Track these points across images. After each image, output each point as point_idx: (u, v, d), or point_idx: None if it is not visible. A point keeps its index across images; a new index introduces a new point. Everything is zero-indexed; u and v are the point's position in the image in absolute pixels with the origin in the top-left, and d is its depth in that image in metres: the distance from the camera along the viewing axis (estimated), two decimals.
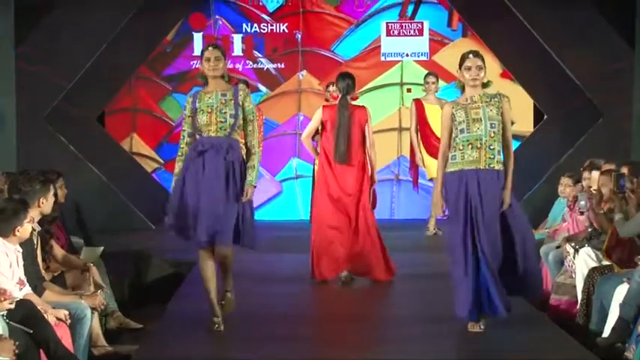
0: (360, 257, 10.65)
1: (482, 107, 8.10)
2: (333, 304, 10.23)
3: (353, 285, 10.81)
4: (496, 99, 8.18)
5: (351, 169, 10.60)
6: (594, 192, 9.68)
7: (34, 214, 7.43)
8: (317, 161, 10.99)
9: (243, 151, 8.48)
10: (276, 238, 13.49)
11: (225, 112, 8.29)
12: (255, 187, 8.37)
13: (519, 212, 8.43)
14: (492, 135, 8.05)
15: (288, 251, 12.76)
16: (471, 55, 8.19)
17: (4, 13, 14.05)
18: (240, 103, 8.35)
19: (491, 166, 8.07)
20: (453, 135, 8.16)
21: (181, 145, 8.44)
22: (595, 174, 9.82)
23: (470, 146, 8.06)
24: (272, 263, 12.04)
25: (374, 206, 10.82)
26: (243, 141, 8.44)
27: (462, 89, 8.30)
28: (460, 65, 8.24)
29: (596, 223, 9.57)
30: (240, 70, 16.45)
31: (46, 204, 7.95)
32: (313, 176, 12.48)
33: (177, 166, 8.40)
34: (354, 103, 10.86)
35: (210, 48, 8.41)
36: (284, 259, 12.46)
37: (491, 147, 8.05)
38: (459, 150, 8.10)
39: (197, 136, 8.36)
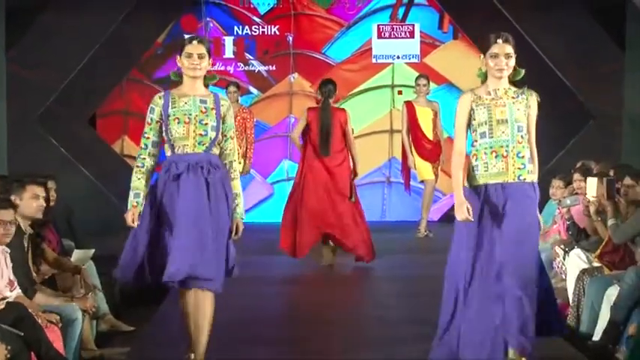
0: (346, 229, 11.83)
1: (508, 105, 6.84)
2: (321, 305, 10.18)
3: (341, 285, 11.05)
4: (523, 95, 6.93)
5: (334, 160, 11.92)
6: (592, 199, 9.59)
7: (8, 216, 7.15)
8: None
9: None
10: (267, 241, 13.49)
11: (206, 124, 6.91)
12: (243, 220, 7.22)
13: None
14: (520, 140, 6.80)
15: (279, 253, 12.77)
16: (499, 40, 6.92)
17: None
18: (222, 115, 7.02)
19: (522, 177, 6.79)
20: (472, 137, 6.94)
21: (142, 156, 6.98)
22: (591, 180, 9.73)
23: (494, 154, 6.79)
24: (262, 265, 12.05)
25: (351, 196, 11.99)
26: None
27: (484, 79, 7.04)
28: (485, 50, 7.01)
29: (590, 230, 9.60)
30: (231, 72, 16.48)
31: (22, 203, 7.62)
32: None
33: (136, 179, 6.95)
34: (335, 105, 12.35)
35: (194, 42, 7.02)
36: (274, 260, 12.48)
37: (520, 155, 6.78)
38: (481, 160, 6.83)
39: (168, 152, 6.95)
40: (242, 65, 16.72)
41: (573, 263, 9.31)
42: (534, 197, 6.86)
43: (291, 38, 16.73)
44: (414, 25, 16.74)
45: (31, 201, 7.69)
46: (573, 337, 8.58)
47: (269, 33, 16.77)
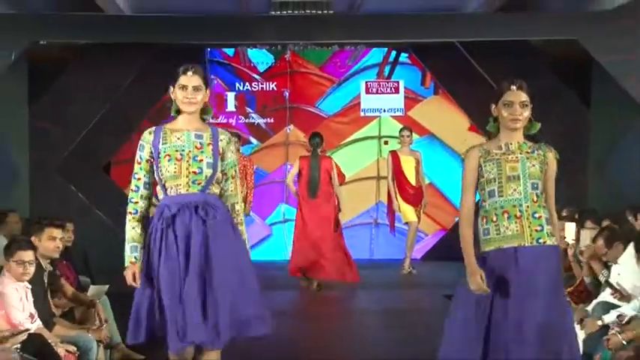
0: (334, 263, 12.59)
1: (521, 160, 5.54)
2: (313, 336, 10.13)
3: (331, 323, 10.95)
4: (540, 151, 5.63)
5: (319, 201, 12.73)
6: (571, 242, 9.49)
7: (28, 256, 7.13)
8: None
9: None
10: (266, 277, 13.43)
11: (200, 160, 5.61)
12: None
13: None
14: (535, 199, 5.51)
15: (277, 289, 12.74)
16: (514, 87, 5.60)
17: (19, 78, 14.13)
18: (221, 151, 5.73)
19: (541, 240, 5.45)
20: (480, 197, 5.66)
21: (134, 200, 5.80)
22: (569, 225, 9.65)
23: (506, 215, 5.48)
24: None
25: (337, 228, 12.90)
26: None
27: (495, 131, 5.74)
28: (497, 99, 5.62)
29: (575, 271, 9.29)
30: (233, 124, 16.48)
31: (41, 244, 7.60)
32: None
33: (130, 228, 5.85)
34: (324, 154, 13.18)
35: (188, 72, 5.75)
36: (272, 296, 12.45)
37: (536, 215, 5.47)
38: (492, 222, 5.53)
39: (161, 194, 5.73)
40: (243, 118, 16.73)
41: None
42: (556, 263, 5.54)
43: (287, 94, 16.74)
44: (398, 81, 16.76)
45: (49, 242, 7.70)
46: None
47: (267, 89, 16.78)
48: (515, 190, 5.50)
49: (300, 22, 13.79)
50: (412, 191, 13.95)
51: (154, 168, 5.71)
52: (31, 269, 7.06)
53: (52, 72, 14.29)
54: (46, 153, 14.30)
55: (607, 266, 8.42)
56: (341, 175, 13.49)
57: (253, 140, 16.68)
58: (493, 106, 5.63)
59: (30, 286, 7.09)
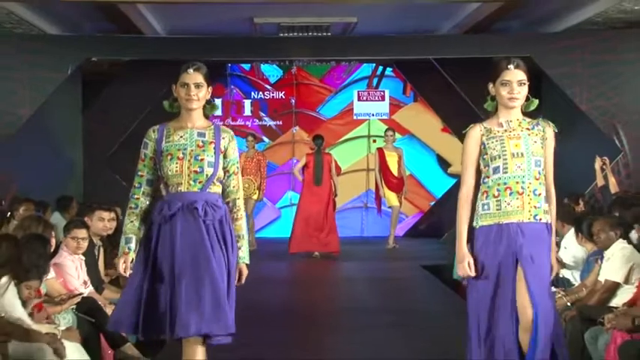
0: (325, 239, 13.03)
1: (523, 137, 4.71)
2: (311, 299, 10.12)
3: (325, 287, 11.10)
4: (539, 126, 4.78)
5: (323, 187, 13.13)
6: None
7: (82, 234, 7.11)
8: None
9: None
10: (274, 250, 13.52)
11: (201, 159, 4.74)
12: (247, 265, 4.89)
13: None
14: (537, 176, 4.69)
15: (284, 260, 12.79)
16: (511, 66, 4.69)
17: (75, 89, 14.24)
18: (223, 149, 4.83)
19: (538, 217, 4.69)
20: (483, 174, 4.79)
21: (135, 196, 4.90)
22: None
23: (508, 191, 4.66)
24: (268, 269, 11.95)
25: (334, 207, 13.55)
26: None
27: (494, 109, 4.85)
28: (494, 78, 4.75)
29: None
30: (249, 126, 16.43)
31: (92, 224, 7.52)
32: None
33: (129, 222, 4.90)
34: (324, 151, 13.52)
35: (190, 69, 4.83)
36: (280, 265, 12.50)
37: (537, 192, 4.69)
38: (494, 197, 4.70)
39: (163, 191, 4.89)
40: (257, 121, 16.69)
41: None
42: (549, 241, 4.77)
43: (293, 101, 16.70)
44: (384, 91, 16.71)
45: (99, 222, 7.70)
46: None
47: (277, 97, 16.73)
48: (519, 166, 4.66)
49: (303, 43, 13.82)
50: (395, 181, 13.96)
51: (157, 166, 4.85)
52: (84, 244, 7.08)
53: (102, 83, 14.34)
54: (97, 149, 14.37)
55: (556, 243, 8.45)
56: (337, 168, 13.82)
57: (265, 139, 16.63)
58: (490, 85, 4.78)
59: (84, 258, 7.11)
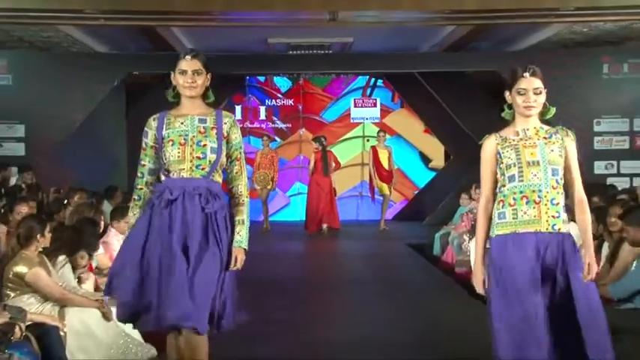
0: (330, 215, 13.28)
1: (539, 145, 3.85)
2: (314, 270, 10.09)
3: (327, 260, 11.15)
4: (557, 135, 3.90)
5: (329, 178, 13.36)
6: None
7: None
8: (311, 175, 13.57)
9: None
10: (285, 231, 13.55)
11: (204, 145, 3.96)
12: (246, 250, 4.01)
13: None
14: (555, 185, 3.81)
15: (292, 239, 12.79)
16: (527, 74, 3.89)
17: (119, 98, 14.27)
18: (226, 134, 4.02)
19: (556, 227, 3.77)
20: (499, 183, 3.92)
21: (139, 186, 4.15)
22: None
23: (524, 200, 3.79)
24: (279, 247, 11.92)
25: (335, 194, 13.78)
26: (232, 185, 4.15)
27: (510, 118, 4.00)
28: (510, 87, 3.94)
29: None
30: (264, 128, 16.41)
31: None
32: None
33: (132, 215, 4.13)
34: (328, 149, 13.70)
35: (187, 57, 4.05)
36: (289, 243, 12.50)
37: (554, 201, 3.79)
38: (510, 205, 3.84)
39: (163, 177, 4.09)
40: (271, 124, 16.66)
41: (474, 245, 9.24)
42: (570, 247, 3.79)
43: (300, 107, 16.67)
44: (376, 99, 16.66)
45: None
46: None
47: (287, 104, 16.69)
48: (535, 175, 3.81)
49: (309, 59, 13.79)
50: (385, 173, 13.96)
51: (159, 153, 4.06)
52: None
53: (142, 93, 14.30)
54: (138, 148, 14.24)
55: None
56: (337, 163, 13.93)
57: (277, 139, 16.58)
58: (507, 93, 3.95)
59: None
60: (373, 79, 16.70)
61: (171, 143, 3.97)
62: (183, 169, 3.94)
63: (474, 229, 9.77)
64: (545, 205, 3.79)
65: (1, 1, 9.56)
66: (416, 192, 16.59)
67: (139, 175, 4.15)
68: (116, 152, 14.16)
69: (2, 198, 9.74)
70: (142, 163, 4.14)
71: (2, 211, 7.38)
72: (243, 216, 4.06)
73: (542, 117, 3.94)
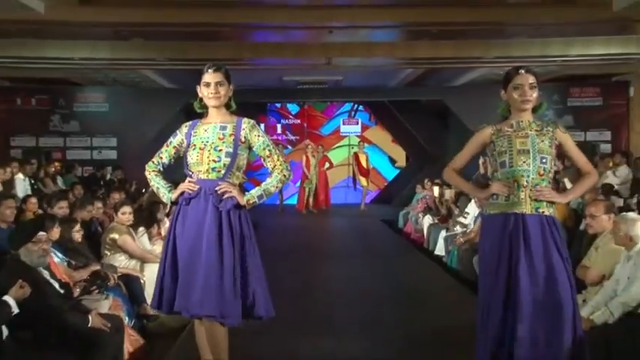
0: (321, 197, 12.99)
1: (530, 136, 3.08)
2: (307, 239, 9.79)
3: (321, 230, 11.13)
4: (548, 128, 3.12)
5: (324, 174, 13.12)
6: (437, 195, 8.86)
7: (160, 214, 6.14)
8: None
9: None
10: (293, 212, 13.53)
11: (220, 150, 3.15)
12: (253, 203, 3.15)
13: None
14: (542, 172, 3.05)
15: (294, 217, 12.59)
16: (521, 71, 3.09)
17: (180, 120, 13.79)
18: (243, 139, 3.18)
19: (540, 210, 3.03)
20: (491, 168, 3.19)
21: (151, 167, 3.39)
22: (436, 188, 9.15)
23: (515, 184, 3.04)
24: (289, 221, 11.72)
25: (327, 184, 13.41)
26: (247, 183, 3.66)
27: (506, 114, 3.19)
28: (506, 85, 3.14)
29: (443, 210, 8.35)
30: (280, 139, 16.37)
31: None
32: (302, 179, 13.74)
33: (158, 183, 3.37)
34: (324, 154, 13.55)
35: (210, 70, 3.25)
36: (292, 219, 12.30)
37: (538, 187, 3.05)
38: None
39: (188, 177, 3.24)
40: (284, 136, 16.58)
41: (427, 221, 9.13)
42: (554, 229, 3.02)
43: (305, 125, 16.65)
44: (358, 119, 16.61)
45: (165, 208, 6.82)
46: (429, 255, 7.85)
47: (296, 123, 16.65)
48: (524, 162, 3.04)
49: (311, 91, 13.81)
50: (364, 171, 13.92)
51: (183, 156, 3.28)
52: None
53: (196, 114, 14.22)
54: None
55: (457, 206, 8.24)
56: (331, 164, 13.90)
57: (289, 147, 16.53)
58: (502, 92, 3.16)
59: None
60: (357, 105, 16.63)
61: (193, 148, 3.19)
62: (201, 170, 3.16)
63: (426, 210, 9.86)
64: (530, 190, 3.03)
65: (101, 52, 9.69)
66: (386, 184, 16.62)
67: (154, 160, 3.34)
68: (178, 161, 14.08)
69: (102, 188, 9.99)
70: (160, 155, 3.33)
71: (102, 196, 7.44)
72: (267, 185, 3.19)
73: (535, 112, 3.16)
